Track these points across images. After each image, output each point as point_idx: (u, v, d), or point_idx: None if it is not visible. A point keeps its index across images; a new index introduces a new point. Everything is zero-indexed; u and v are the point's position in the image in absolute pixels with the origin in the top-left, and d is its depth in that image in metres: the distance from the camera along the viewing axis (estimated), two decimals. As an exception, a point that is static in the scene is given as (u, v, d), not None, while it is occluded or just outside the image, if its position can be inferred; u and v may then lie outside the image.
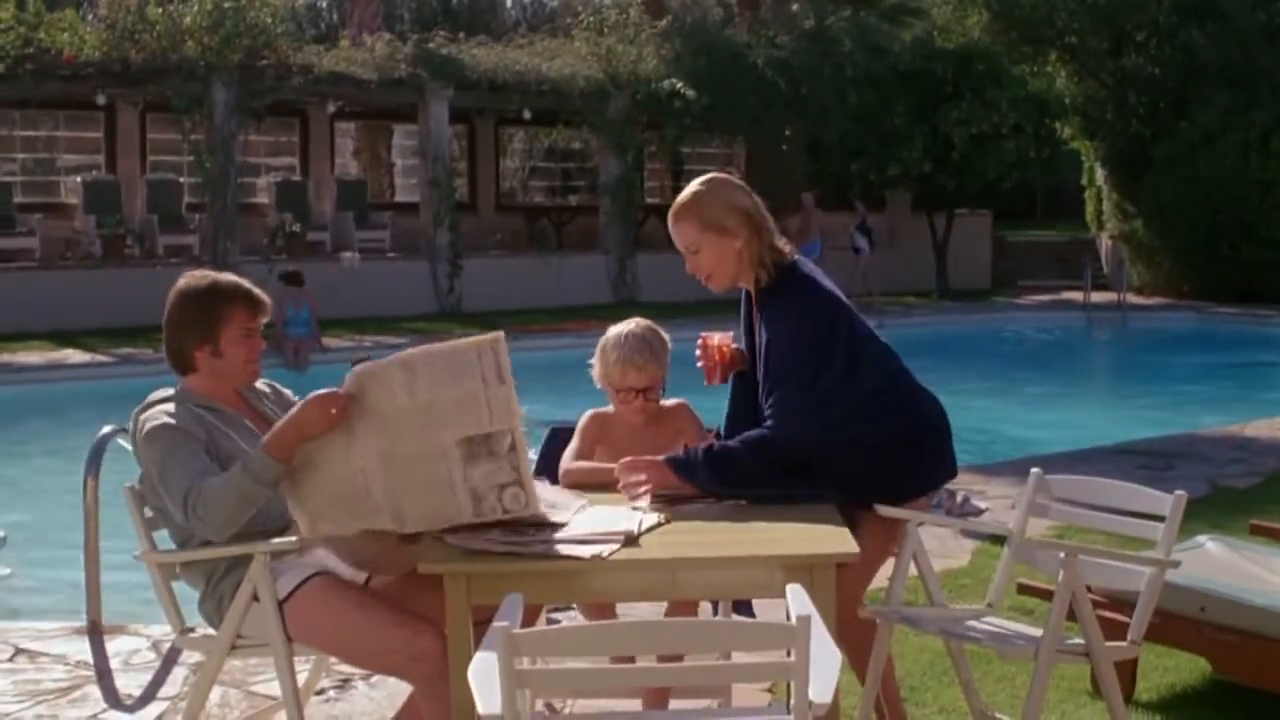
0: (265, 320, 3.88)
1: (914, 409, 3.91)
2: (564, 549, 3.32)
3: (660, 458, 3.77)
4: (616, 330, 4.13)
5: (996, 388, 14.76)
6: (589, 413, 4.19)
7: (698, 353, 3.99)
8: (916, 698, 4.69)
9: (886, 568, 4.10)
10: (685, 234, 3.87)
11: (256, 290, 3.88)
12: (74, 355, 15.39)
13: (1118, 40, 23.20)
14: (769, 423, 3.76)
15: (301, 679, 3.93)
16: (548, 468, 4.24)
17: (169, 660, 5.06)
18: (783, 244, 3.90)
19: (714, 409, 4.24)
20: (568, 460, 4.10)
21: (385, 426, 3.38)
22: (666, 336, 4.16)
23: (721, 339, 3.96)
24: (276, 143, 22.76)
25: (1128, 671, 4.57)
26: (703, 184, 3.91)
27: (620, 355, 4.05)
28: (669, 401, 4.19)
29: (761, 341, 3.86)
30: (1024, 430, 12.51)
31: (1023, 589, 5.03)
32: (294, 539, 3.56)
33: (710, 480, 3.73)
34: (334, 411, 3.39)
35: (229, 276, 3.91)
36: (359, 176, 23.83)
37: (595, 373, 4.15)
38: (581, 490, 3.84)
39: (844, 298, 3.90)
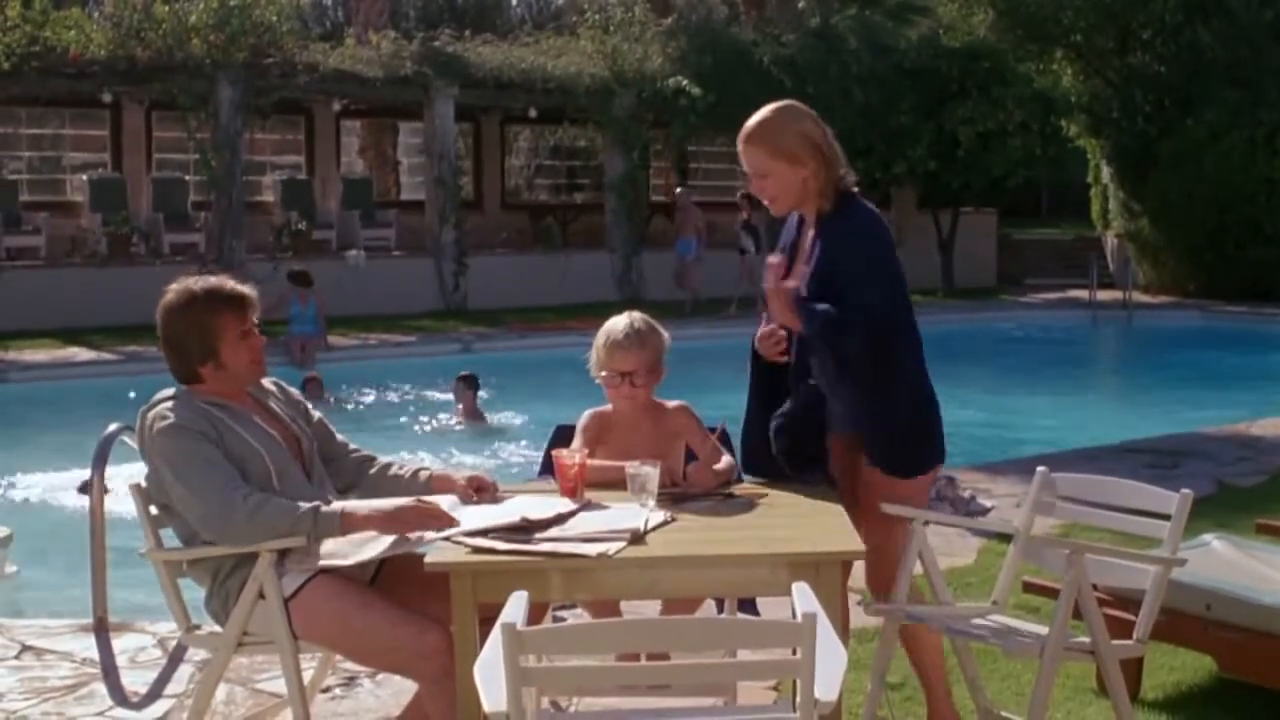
0: (256, 313, 3.86)
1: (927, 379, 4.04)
2: (570, 547, 3.33)
3: (790, 298, 3.85)
4: (610, 320, 4.17)
5: (1002, 386, 14.75)
6: (589, 412, 4.19)
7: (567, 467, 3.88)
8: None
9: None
10: (754, 159, 3.92)
11: (239, 288, 3.84)
12: (80, 353, 15.42)
13: (1123, 38, 23.16)
14: (848, 314, 3.81)
15: (307, 676, 3.93)
16: (552, 466, 4.24)
17: (175, 658, 5.07)
18: (847, 174, 3.96)
19: (714, 410, 4.26)
20: (573, 458, 4.10)
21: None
22: (664, 332, 4.17)
23: (573, 457, 3.81)
24: (282, 141, 22.78)
25: (1133, 670, 4.57)
26: (775, 110, 3.97)
27: (608, 340, 4.09)
28: (670, 402, 4.19)
29: (813, 259, 3.93)
30: (1029, 428, 12.50)
31: (1028, 587, 5.02)
32: (301, 537, 3.57)
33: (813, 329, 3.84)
34: (430, 524, 3.56)
35: (206, 283, 3.83)
36: (364, 175, 23.85)
37: (591, 365, 4.16)
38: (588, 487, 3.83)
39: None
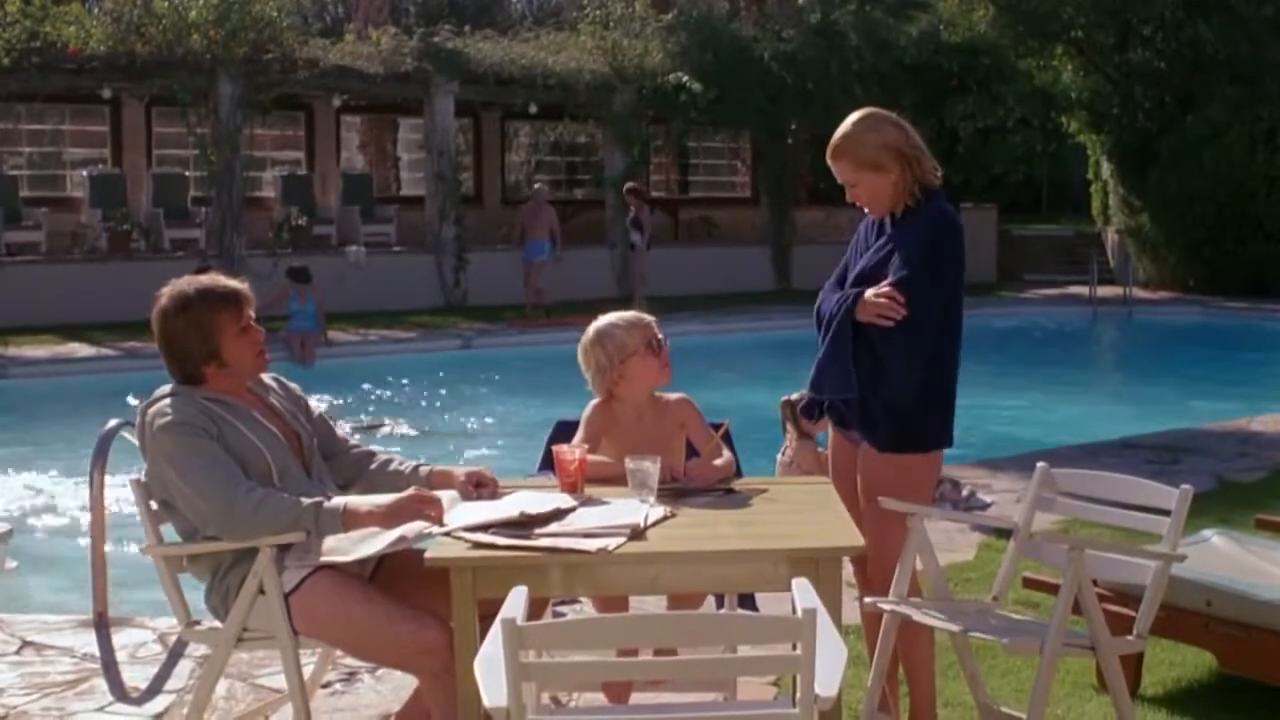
0: (252, 307, 3.84)
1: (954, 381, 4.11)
2: (570, 542, 3.33)
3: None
4: (594, 327, 4.14)
5: (1002, 382, 14.74)
6: (593, 404, 4.19)
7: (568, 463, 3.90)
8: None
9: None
10: (842, 171, 4.10)
11: (232, 284, 3.83)
12: (80, 349, 15.42)
13: (1124, 34, 23.15)
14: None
15: (307, 672, 3.94)
16: (553, 462, 4.24)
17: (175, 653, 5.07)
18: (934, 167, 4.10)
19: (713, 406, 4.26)
20: (575, 453, 4.10)
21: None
22: None
23: (573, 453, 3.84)
24: (282, 136, 22.76)
25: (1133, 665, 4.57)
26: (855, 123, 4.10)
27: (625, 323, 4.10)
28: (672, 395, 4.19)
29: (884, 252, 4.05)
30: (1029, 424, 12.50)
31: (1028, 583, 5.03)
32: (302, 533, 3.57)
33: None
34: (429, 514, 3.54)
35: (198, 283, 3.82)
36: (364, 170, 23.83)
37: (596, 367, 4.11)
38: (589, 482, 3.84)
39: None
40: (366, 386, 13.80)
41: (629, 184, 20.04)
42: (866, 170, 4.04)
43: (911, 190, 4.05)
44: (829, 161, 4.11)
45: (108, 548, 5.48)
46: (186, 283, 3.83)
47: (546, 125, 25.77)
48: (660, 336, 4.13)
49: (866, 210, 4.15)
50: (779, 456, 6.76)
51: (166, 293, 3.81)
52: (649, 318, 4.15)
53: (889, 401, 3.98)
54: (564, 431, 4.31)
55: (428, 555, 3.38)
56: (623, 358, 4.07)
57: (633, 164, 21.92)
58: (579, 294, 19.74)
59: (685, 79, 21.22)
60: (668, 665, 3.28)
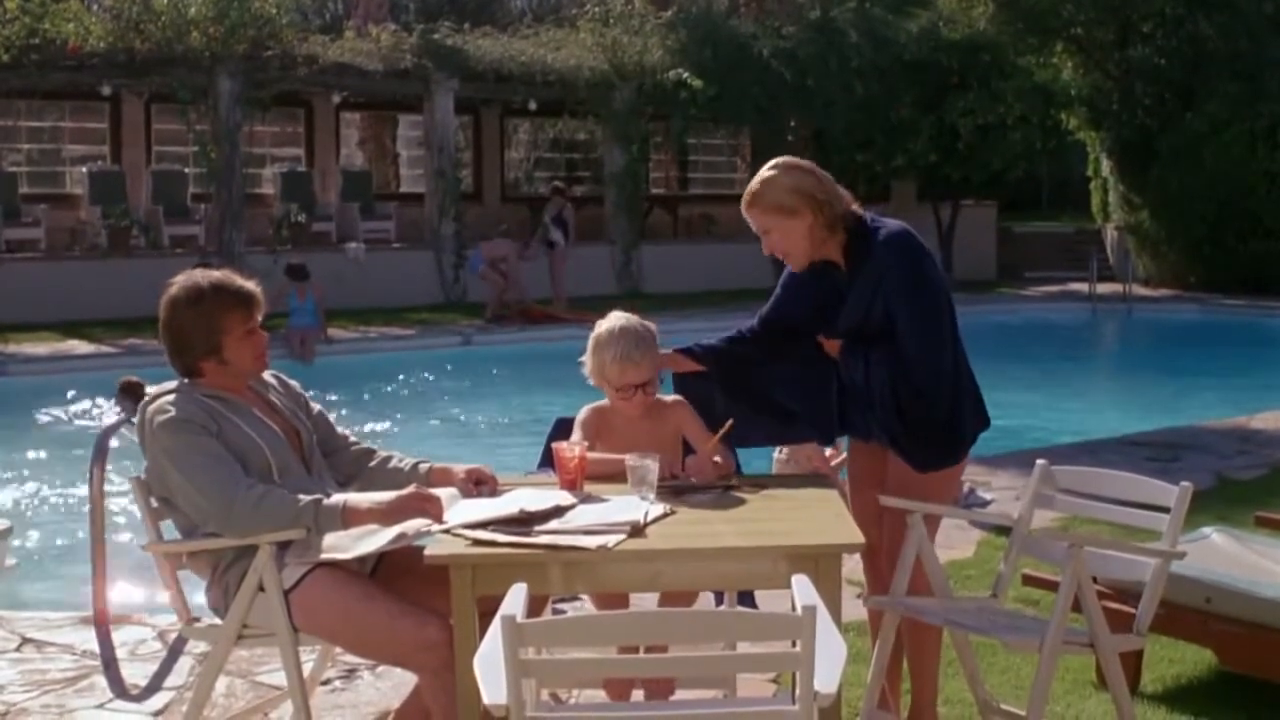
0: (262, 312, 3.83)
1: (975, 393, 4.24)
2: (570, 539, 3.33)
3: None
4: (606, 327, 4.09)
5: (1001, 379, 14.69)
6: (588, 407, 4.17)
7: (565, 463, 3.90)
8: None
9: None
10: (755, 219, 4.11)
11: (247, 286, 3.81)
12: (80, 346, 15.41)
13: (1124, 31, 23.15)
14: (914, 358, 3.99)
15: (307, 669, 3.94)
16: (552, 459, 4.24)
17: (175, 650, 5.06)
18: (856, 207, 4.09)
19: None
20: (574, 452, 4.09)
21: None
22: (653, 326, 4.16)
23: (572, 450, 3.83)
24: (282, 133, 22.75)
25: (1133, 663, 4.57)
26: (765, 171, 4.12)
27: (616, 353, 4.02)
28: (668, 397, 4.18)
29: (850, 298, 4.06)
30: (1029, 422, 12.48)
31: (1028, 580, 5.03)
32: (301, 529, 3.57)
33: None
34: (429, 511, 3.53)
35: (213, 278, 3.80)
36: (364, 167, 23.82)
37: (588, 370, 4.11)
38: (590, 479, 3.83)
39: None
40: (366, 383, 13.80)
41: (554, 183, 20.05)
42: (778, 215, 4.03)
43: (832, 231, 4.04)
44: (745, 215, 4.11)
45: (107, 545, 5.47)
46: (202, 275, 3.81)
47: (546, 122, 25.76)
48: (641, 384, 4.03)
49: (787, 261, 4.13)
50: (775, 454, 6.74)
51: (180, 281, 3.80)
52: (646, 359, 4.02)
53: (922, 424, 4.03)
54: (564, 428, 4.31)
55: (427, 553, 3.38)
56: (601, 377, 4.08)
57: (632, 161, 21.91)
58: (579, 290, 19.74)
59: (685, 76, 21.20)
60: (667, 662, 3.27)
